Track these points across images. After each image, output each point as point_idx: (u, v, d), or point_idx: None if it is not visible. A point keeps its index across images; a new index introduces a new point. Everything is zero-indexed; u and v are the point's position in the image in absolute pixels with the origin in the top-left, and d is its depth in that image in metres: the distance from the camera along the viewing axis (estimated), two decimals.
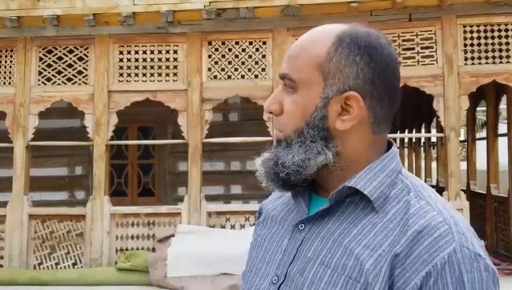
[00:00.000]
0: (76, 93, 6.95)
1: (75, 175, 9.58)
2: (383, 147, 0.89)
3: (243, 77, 6.82)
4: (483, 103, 9.28)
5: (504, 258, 7.35)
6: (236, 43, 6.86)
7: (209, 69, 6.89)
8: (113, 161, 8.00)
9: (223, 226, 6.72)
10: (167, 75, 6.90)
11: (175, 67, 6.90)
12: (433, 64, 6.55)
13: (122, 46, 6.97)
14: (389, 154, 0.88)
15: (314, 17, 6.55)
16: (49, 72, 7.00)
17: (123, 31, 6.91)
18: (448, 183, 6.44)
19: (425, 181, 11.75)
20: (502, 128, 8.57)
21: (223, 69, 6.87)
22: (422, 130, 11.96)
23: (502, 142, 8.20)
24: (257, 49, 6.83)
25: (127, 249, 6.70)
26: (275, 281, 0.87)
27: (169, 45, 6.93)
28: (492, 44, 6.46)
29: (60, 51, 7.02)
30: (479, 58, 6.50)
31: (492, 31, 6.47)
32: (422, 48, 6.57)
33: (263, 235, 0.98)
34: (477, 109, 9.97)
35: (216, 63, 6.89)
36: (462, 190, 6.66)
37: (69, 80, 6.98)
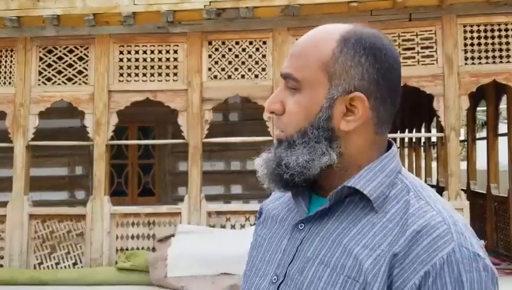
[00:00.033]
0: (76, 93, 6.95)
1: (75, 175, 9.58)
2: (384, 147, 0.90)
3: (243, 76, 6.83)
4: (484, 103, 9.28)
5: (504, 258, 7.35)
6: (237, 43, 6.86)
7: (209, 69, 6.89)
8: (113, 160, 8.00)
9: (223, 226, 6.72)
10: (167, 75, 6.90)
11: (175, 67, 6.90)
12: (433, 64, 6.55)
13: (123, 46, 6.97)
14: (388, 154, 0.88)
15: (314, 17, 6.55)
16: (49, 72, 7.00)
17: (123, 30, 6.91)
18: (449, 183, 6.44)
19: (426, 181, 11.75)
20: (502, 128, 8.57)
21: (223, 69, 6.87)
22: (423, 129, 11.96)
23: (502, 142, 8.20)
24: (257, 49, 6.83)
25: (127, 249, 6.70)
26: (274, 281, 0.88)
27: (169, 45, 6.93)
28: (493, 44, 6.46)
29: (60, 51, 7.02)
30: (479, 58, 6.50)
31: (492, 30, 6.47)
32: (422, 48, 6.57)
33: (263, 235, 0.98)
34: (478, 108, 9.97)
35: (216, 62, 6.89)
36: (462, 189, 6.66)
37: (69, 79, 6.98)
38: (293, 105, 0.87)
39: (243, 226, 6.69)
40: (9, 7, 6.70)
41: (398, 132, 12.38)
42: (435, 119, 9.66)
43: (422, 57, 6.56)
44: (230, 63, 6.86)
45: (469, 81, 6.48)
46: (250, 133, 7.22)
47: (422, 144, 13.41)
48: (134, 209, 6.98)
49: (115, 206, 6.89)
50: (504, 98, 7.94)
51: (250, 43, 6.84)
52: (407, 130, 12.71)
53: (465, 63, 6.51)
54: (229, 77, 6.85)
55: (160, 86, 6.87)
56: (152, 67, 6.91)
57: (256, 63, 6.82)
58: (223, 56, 6.88)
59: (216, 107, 6.97)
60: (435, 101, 6.53)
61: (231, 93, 6.89)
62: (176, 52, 6.92)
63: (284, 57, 6.70)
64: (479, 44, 6.50)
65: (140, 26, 6.85)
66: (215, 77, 6.89)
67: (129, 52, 6.96)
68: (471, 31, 6.52)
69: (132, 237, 6.75)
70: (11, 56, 7.07)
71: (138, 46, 6.94)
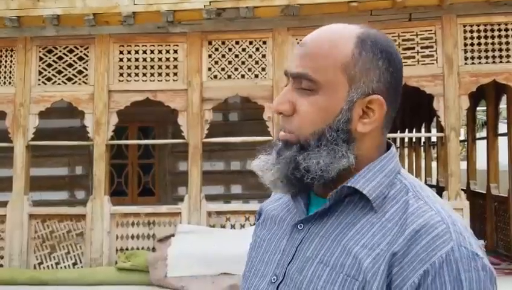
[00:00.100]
0: (76, 93, 6.95)
1: (75, 175, 9.58)
2: (384, 147, 0.91)
3: (243, 76, 6.83)
4: (483, 103, 9.28)
5: (504, 258, 7.35)
6: (237, 42, 6.86)
7: (209, 69, 6.89)
8: (113, 160, 8.00)
9: (223, 226, 6.72)
10: (167, 74, 6.90)
11: (175, 67, 6.91)
12: (433, 63, 6.55)
13: (123, 46, 6.97)
14: (388, 154, 0.89)
15: (314, 16, 6.55)
16: (49, 72, 7.00)
17: (123, 30, 6.91)
18: (449, 183, 6.44)
19: (425, 181, 11.76)
20: (502, 128, 8.57)
21: (223, 69, 6.87)
22: (422, 129, 11.96)
23: (502, 142, 8.20)
24: (257, 49, 6.83)
25: (127, 249, 6.70)
26: (273, 281, 0.88)
27: (169, 45, 6.93)
28: (493, 44, 6.46)
29: (60, 51, 7.02)
30: (479, 57, 6.50)
31: (492, 30, 6.47)
32: (422, 48, 6.57)
33: (262, 236, 0.98)
34: (477, 108, 9.97)
35: (216, 62, 6.89)
36: (462, 189, 6.66)
37: (69, 79, 6.98)
38: (308, 106, 0.85)
39: (242, 226, 6.69)
40: (9, 7, 6.70)
41: (398, 132, 12.39)
42: (434, 119, 9.66)
43: (422, 56, 6.56)
44: (230, 62, 6.86)
45: (469, 81, 6.48)
46: (250, 133, 7.22)
47: (422, 144, 13.41)
48: (134, 209, 6.98)
49: (115, 206, 6.89)
50: (504, 98, 7.94)
51: (250, 43, 6.84)
52: (407, 130, 12.71)
53: (465, 63, 6.51)
54: (229, 76, 6.85)
55: (160, 86, 6.87)
56: (152, 67, 6.91)
57: (256, 63, 6.83)
58: (223, 56, 6.88)
59: (216, 107, 6.97)
60: (434, 101, 6.53)
61: (231, 93, 6.89)
62: (175, 52, 6.93)
63: (284, 57, 6.72)
64: (479, 44, 6.50)
65: (140, 26, 6.85)
66: (215, 76, 6.89)
67: (129, 52, 6.96)
68: (471, 31, 6.52)
69: (132, 237, 6.75)
70: (11, 56, 7.08)
71: (138, 46, 6.95)
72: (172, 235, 6.51)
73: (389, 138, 0.93)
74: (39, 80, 7.00)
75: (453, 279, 0.74)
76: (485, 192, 8.39)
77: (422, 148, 13.42)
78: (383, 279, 0.76)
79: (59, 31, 6.95)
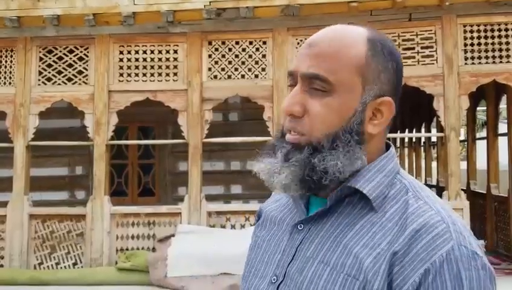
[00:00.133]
0: (76, 93, 6.95)
1: (76, 175, 9.58)
2: (384, 147, 0.92)
3: (243, 76, 6.83)
4: (484, 103, 9.28)
5: (504, 257, 7.35)
6: (237, 42, 6.86)
7: (209, 69, 6.89)
8: (113, 160, 8.00)
9: (223, 226, 6.72)
10: (167, 75, 6.90)
11: (175, 67, 6.91)
12: (433, 64, 6.55)
13: (123, 46, 6.97)
14: (387, 154, 0.90)
15: (314, 17, 6.55)
16: (49, 72, 7.00)
17: (123, 30, 6.91)
18: (449, 183, 6.44)
19: (426, 181, 11.76)
20: (502, 128, 8.57)
21: (223, 69, 6.87)
22: (423, 129, 11.96)
23: (502, 142, 8.21)
24: (257, 49, 6.83)
25: (127, 249, 6.70)
26: (273, 281, 0.88)
27: (169, 45, 6.93)
28: (493, 44, 6.46)
29: (60, 51, 7.02)
30: (479, 58, 6.50)
31: (492, 30, 6.47)
32: (422, 48, 6.57)
33: (262, 237, 0.99)
34: (478, 108, 9.97)
35: (216, 62, 6.89)
36: (462, 189, 6.65)
37: (69, 79, 6.98)
38: (320, 108, 0.84)
39: (243, 226, 6.69)
40: (9, 7, 6.70)
41: (398, 132, 12.39)
42: (434, 119, 9.66)
43: (422, 57, 6.56)
44: (230, 63, 6.86)
45: (469, 81, 6.48)
46: (250, 133, 7.22)
47: (422, 144, 13.41)
48: (135, 209, 6.98)
49: (115, 206, 6.89)
50: (504, 98, 7.94)
51: (250, 43, 6.84)
52: (407, 130, 12.71)
53: (465, 63, 6.51)
54: (229, 76, 6.85)
55: (160, 86, 6.87)
56: (152, 67, 6.91)
57: (256, 63, 6.83)
58: (223, 56, 6.88)
59: (216, 107, 6.97)
60: (434, 101, 6.53)
61: (231, 93, 6.90)
62: (175, 52, 6.93)
63: (284, 57, 6.73)
64: (479, 44, 6.50)
65: (140, 26, 6.85)
66: (215, 76, 6.89)
67: (129, 52, 6.96)
68: (471, 31, 6.52)
69: (132, 237, 6.75)
70: (11, 56, 7.08)
71: (138, 46, 6.95)
72: (173, 235, 6.51)
73: (388, 138, 0.94)
74: (39, 80, 7.00)
75: (454, 278, 0.74)
76: (485, 192, 8.39)
77: (422, 148, 13.41)
78: (384, 278, 0.76)
79: (59, 31, 6.95)
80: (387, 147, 0.92)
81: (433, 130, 11.01)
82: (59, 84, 6.97)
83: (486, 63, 6.47)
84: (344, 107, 0.84)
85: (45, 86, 6.98)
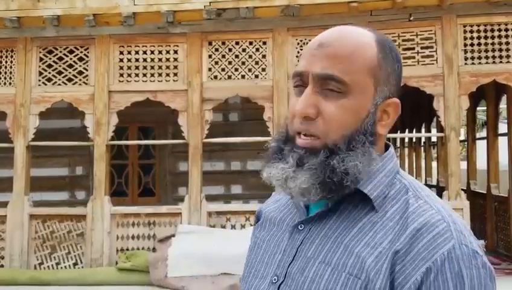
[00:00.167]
0: (76, 94, 6.96)
1: (76, 175, 9.58)
2: (383, 148, 0.93)
3: (243, 77, 6.83)
4: (484, 103, 9.28)
5: (504, 257, 7.35)
6: (237, 43, 6.87)
7: (210, 69, 6.89)
8: (113, 161, 8.00)
9: (223, 226, 6.72)
10: (167, 75, 6.90)
11: (175, 67, 6.91)
12: (433, 64, 6.55)
13: (123, 47, 6.97)
14: (386, 154, 0.91)
15: (314, 17, 6.55)
16: (49, 73, 7.00)
17: (123, 31, 6.91)
18: (449, 183, 6.44)
19: (426, 181, 11.76)
20: (502, 127, 8.57)
21: (223, 69, 6.87)
22: (423, 129, 11.96)
23: (502, 142, 8.21)
24: (257, 49, 6.84)
25: (127, 249, 6.71)
26: (274, 281, 0.88)
27: (169, 45, 6.93)
28: (493, 44, 6.46)
29: (61, 51, 7.02)
30: (479, 58, 6.50)
31: (492, 30, 6.47)
32: (422, 48, 6.57)
33: (262, 238, 0.99)
34: (478, 108, 9.97)
35: (216, 63, 6.90)
36: (462, 189, 6.66)
37: (70, 80, 6.99)
38: (336, 109, 0.84)
39: (243, 226, 6.69)
40: (10, 7, 6.71)
41: (398, 132, 12.38)
42: (435, 119, 9.66)
43: (422, 57, 6.56)
44: (230, 63, 6.86)
45: (469, 81, 6.48)
46: (250, 133, 7.23)
47: (422, 144, 13.41)
48: (135, 210, 6.98)
49: (115, 206, 6.89)
50: (504, 98, 7.94)
51: (250, 43, 6.85)
52: (407, 130, 12.71)
53: (465, 63, 6.51)
54: (229, 77, 6.85)
55: (160, 86, 6.87)
56: (152, 67, 6.91)
57: (256, 63, 6.83)
58: (223, 56, 6.88)
59: (216, 107, 6.97)
60: (434, 101, 6.53)
61: (231, 93, 6.90)
62: (176, 52, 6.93)
63: (284, 57, 6.73)
64: (479, 44, 6.50)
65: (140, 26, 6.85)
66: (215, 77, 6.89)
67: (129, 53, 6.96)
68: (471, 31, 6.52)
69: (132, 237, 6.75)
70: (12, 56, 7.08)
71: (138, 46, 6.95)
72: (173, 235, 6.51)
73: (388, 138, 0.95)
74: (39, 80, 7.00)
75: (455, 276, 0.75)
76: (485, 192, 8.39)
77: (422, 148, 13.41)
78: (386, 277, 0.77)
79: (59, 32, 6.95)
80: (386, 147, 0.93)
81: (433, 130, 11.01)
82: (59, 84, 6.98)
83: (487, 63, 6.47)
84: (358, 109, 0.85)
85: (45, 87, 6.99)
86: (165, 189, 9.62)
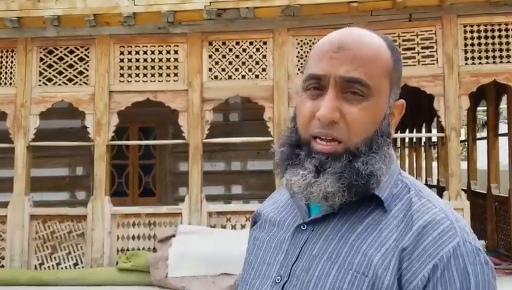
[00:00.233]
0: (77, 94, 6.96)
1: (76, 175, 9.59)
2: None
3: (243, 77, 6.83)
4: (484, 103, 9.28)
5: (505, 257, 7.35)
6: (237, 43, 6.87)
7: (210, 70, 6.89)
8: (114, 161, 8.00)
9: (223, 226, 6.72)
10: (168, 75, 6.90)
11: (175, 67, 6.91)
12: (433, 64, 6.55)
13: (123, 47, 6.97)
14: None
15: (315, 17, 6.55)
16: (49, 73, 7.01)
17: (124, 31, 6.91)
18: (449, 183, 6.44)
19: (426, 181, 11.77)
20: (503, 128, 8.57)
21: (223, 69, 6.87)
22: (423, 130, 11.96)
23: (503, 142, 8.20)
24: (258, 49, 6.84)
25: (128, 249, 6.71)
26: (278, 281, 0.88)
27: (169, 45, 6.93)
28: (493, 44, 6.46)
29: (61, 52, 7.03)
30: (480, 58, 6.50)
31: (492, 30, 6.47)
32: (422, 48, 6.57)
33: (261, 238, 0.99)
34: (478, 108, 9.97)
35: (217, 63, 6.90)
36: (462, 189, 6.66)
37: (70, 80, 6.99)
38: (359, 112, 0.83)
39: (243, 227, 6.69)
40: (10, 8, 6.71)
41: (399, 132, 12.38)
42: (435, 119, 9.66)
43: (423, 57, 6.56)
44: (230, 63, 6.87)
45: (469, 81, 6.48)
46: (250, 134, 7.23)
47: (422, 144, 13.41)
48: (135, 210, 6.98)
49: (115, 206, 6.89)
50: (504, 98, 7.93)
51: (251, 43, 6.85)
52: (407, 130, 12.71)
53: (466, 63, 6.51)
54: (230, 77, 6.85)
55: (160, 87, 6.87)
56: (152, 67, 6.91)
57: (257, 63, 6.83)
58: (224, 56, 6.88)
59: (216, 107, 6.97)
60: (435, 101, 6.53)
61: (231, 93, 6.90)
62: (176, 52, 6.93)
63: (285, 57, 6.72)
64: (480, 44, 6.50)
65: (140, 26, 6.86)
66: (216, 77, 6.89)
67: (129, 53, 6.97)
68: (472, 31, 6.52)
69: (133, 238, 6.75)
70: (12, 57, 7.08)
71: (139, 46, 6.95)
72: (173, 235, 6.51)
73: None
74: (40, 80, 7.00)
75: (461, 272, 0.77)
76: (485, 192, 8.39)
77: (422, 148, 13.41)
78: (394, 273, 0.78)
79: (59, 32, 6.96)
80: None
81: (434, 130, 11.02)
82: (60, 84, 6.98)
83: (487, 63, 6.47)
84: (378, 111, 0.86)
85: (46, 87, 6.99)
86: (165, 189, 9.62)
